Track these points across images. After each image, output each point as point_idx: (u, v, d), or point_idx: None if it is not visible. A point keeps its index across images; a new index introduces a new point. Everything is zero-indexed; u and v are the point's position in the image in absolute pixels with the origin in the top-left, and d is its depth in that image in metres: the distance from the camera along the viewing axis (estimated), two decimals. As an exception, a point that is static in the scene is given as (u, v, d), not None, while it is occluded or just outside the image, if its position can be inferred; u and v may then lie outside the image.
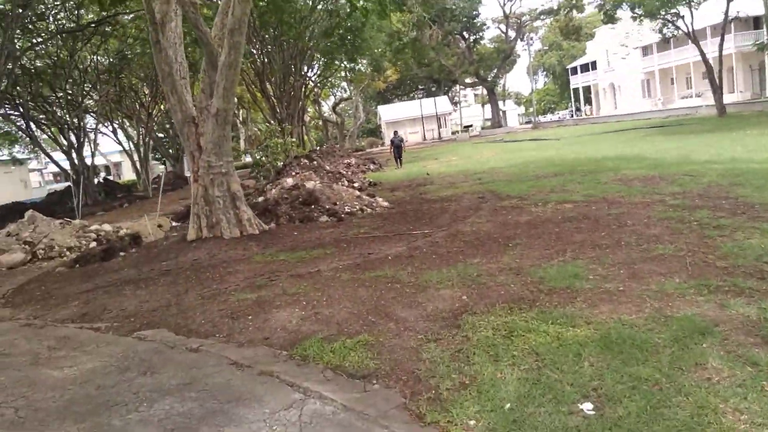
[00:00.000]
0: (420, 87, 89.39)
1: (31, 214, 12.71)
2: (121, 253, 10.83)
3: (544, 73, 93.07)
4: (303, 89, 33.39)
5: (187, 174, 45.73)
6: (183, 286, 7.56)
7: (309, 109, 57.15)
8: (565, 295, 5.18)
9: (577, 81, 69.44)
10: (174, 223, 15.28)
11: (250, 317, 5.88)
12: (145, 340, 5.49)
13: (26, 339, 5.92)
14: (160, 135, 47.87)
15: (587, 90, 69.42)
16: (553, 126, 56.43)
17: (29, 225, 12.34)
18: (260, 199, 12.93)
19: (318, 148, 31.53)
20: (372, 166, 26.24)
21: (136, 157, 38.06)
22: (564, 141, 28.36)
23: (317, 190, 12.29)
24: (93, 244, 12.36)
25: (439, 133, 64.10)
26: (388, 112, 72.81)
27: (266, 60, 28.78)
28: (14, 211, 25.65)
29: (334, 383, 3.95)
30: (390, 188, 16.98)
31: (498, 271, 6.24)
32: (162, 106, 40.03)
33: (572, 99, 73.55)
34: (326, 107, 67.82)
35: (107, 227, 13.53)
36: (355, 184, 17.76)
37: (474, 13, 56.16)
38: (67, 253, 11.74)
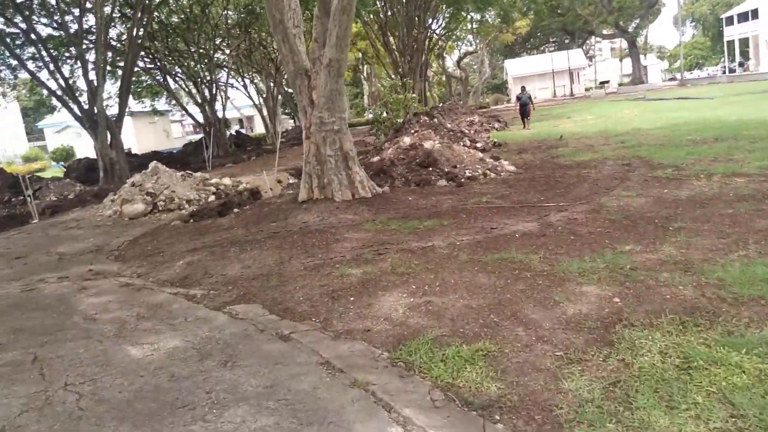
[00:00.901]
0: (551, 40, 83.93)
1: (155, 165, 12.94)
2: (236, 210, 10.61)
3: (693, 24, 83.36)
4: (427, 42, 32.03)
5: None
6: (288, 252, 6.98)
7: (432, 64, 55.54)
8: (759, 309, 3.83)
9: (732, 32, 61.13)
10: (291, 180, 15.05)
11: (352, 298, 5.11)
12: (235, 318, 4.91)
13: (120, 303, 5.61)
14: (289, 90, 48.79)
15: (744, 43, 60.99)
16: (703, 83, 50.21)
17: (152, 176, 12.56)
18: (375, 158, 12.17)
19: (440, 104, 30.26)
20: (497, 125, 24.58)
21: (265, 111, 39.06)
22: (720, 100, 24.76)
23: (436, 151, 11.26)
24: (212, 198, 12.36)
25: (571, 90, 59.83)
26: (515, 67, 69.13)
27: (390, 11, 27.71)
28: (153, 159, 27.27)
29: (444, 414, 3.03)
30: (517, 150, 15.51)
31: (659, 264, 4.92)
32: (289, 61, 40.66)
33: (726, 53, 65.22)
34: (450, 62, 65.68)
35: (227, 181, 13.52)
36: (478, 145, 16.49)
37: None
38: (186, 205, 11.80)
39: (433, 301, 4.81)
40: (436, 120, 17.56)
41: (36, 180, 17.71)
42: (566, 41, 66.55)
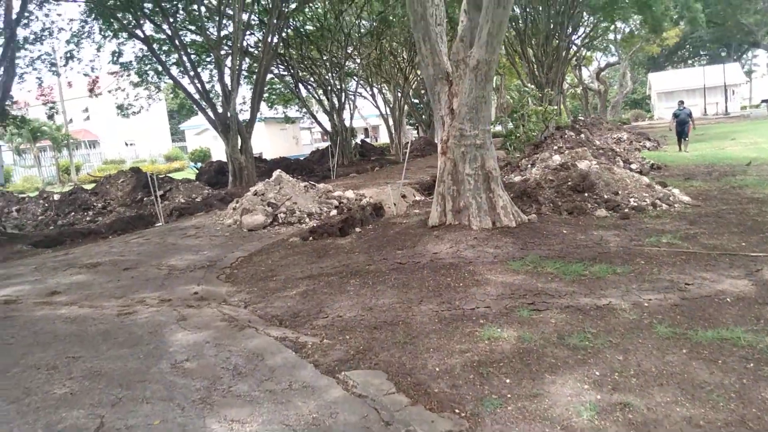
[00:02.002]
0: (702, 52, 76.80)
1: (278, 174, 12.33)
2: (358, 229, 9.58)
3: None
4: (566, 52, 29.74)
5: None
6: (416, 293, 5.71)
7: (567, 76, 52.30)
8: None
9: None
10: (417, 196, 13.89)
11: (508, 380, 3.72)
12: (351, 392, 3.70)
13: (217, 346, 4.62)
14: (415, 100, 48.30)
15: None
16: None
17: (275, 185, 11.93)
18: (516, 178, 10.63)
19: (580, 118, 27.81)
20: (648, 144, 21.88)
21: (390, 121, 38.63)
22: None
23: (593, 173, 9.51)
24: (333, 211, 11.48)
25: (726, 108, 53.83)
26: (660, 81, 63.73)
27: (530, 18, 25.91)
28: (280, 165, 27.50)
29: None
30: (682, 175, 13.19)
31: None
32: (419, 72, 39.95)
33: None
34: (586, 73, 61.75)
35: (350, 194, 12.63)
36: (633, 166, 14.33)
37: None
38: (307, 219, 11.00)
39: (633, 403, 3.29)
40: (583, 135, 15.62)
41: (168, 181, 18.05)
42: (722, 54, 60.03)
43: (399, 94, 37.62)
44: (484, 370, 3.88)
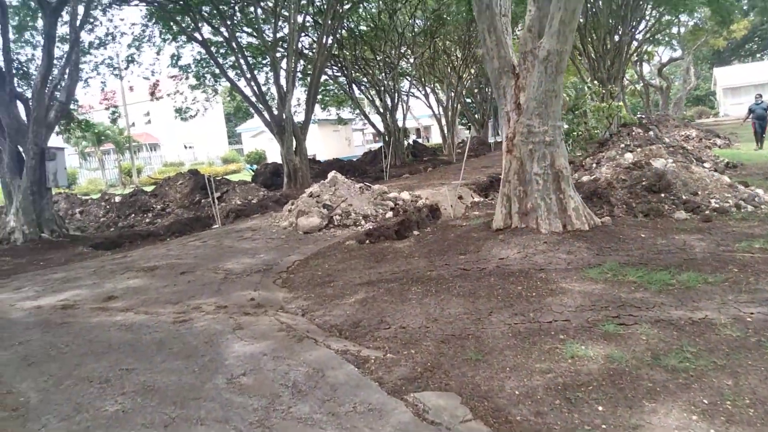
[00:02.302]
0: (775, 45, 72.74)
1: (333, 175, 12.09)
2: (415, 232, 9.21)
3: None
4: (627, 47, 28.40)
5: (492, 140, 44.73)
6: (484, 303, 5.28)
7: (627, 72, 50.30)
8: None
9: None
10: (475, 197, 13.40)
11: (600, 408, 3.26)
12: (423, 418, 3.32)
13: (275, 358, 4.33)
14: (468, 100, 47.61)
15: None
16: None
17: (330, 187, 11.70)
18: (583, 178, 10.01)
19: (645, 116, 26.47)
20: (718, 141, 20.59)
21: (443, 121, 38.13)
22: None
23: (669, 172, 8.81)
24: (389, 213, 11.15)
25: (802, 102, 50.45)
26: (727, 76, 60.67)
27: (590, 12, 24.87)
28: (333, 166, 27.47)
29: None
30: (763, 174, 12.20)
31: None
32: (472, 70, 39.22)
33: None
34: (646, 69, 59.29)
35: (405, 195, 12.27)
36: (706, 165, 13.38)
37: None
38: (362, 221, 10.70)
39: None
40: (651, 133, 14.73)
41: (224, 183, 18.20)
42: (799, 45, 56.43)
43: (452, 94, 37.09)
44: (572, 395, 3.43)
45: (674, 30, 46.07)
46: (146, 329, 5.26)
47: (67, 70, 13.51)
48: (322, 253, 8.42)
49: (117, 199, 17.96)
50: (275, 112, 20.24)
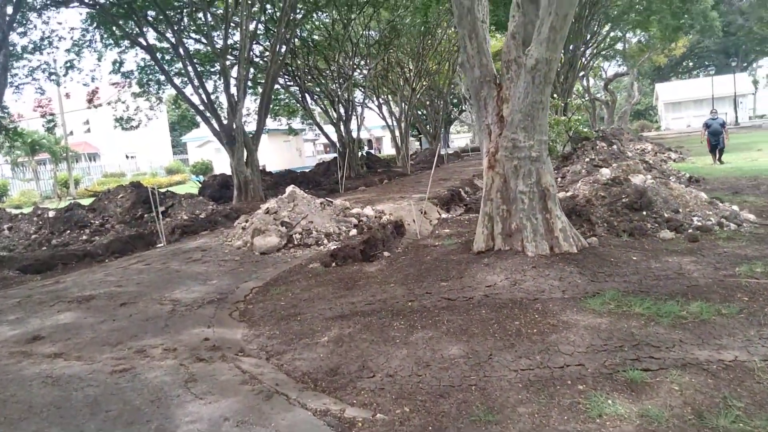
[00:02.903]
0: (707, 63, 76.39)
1: (292, 190, 11.25)
2: (386, 253, 8.49)
3: None
4: (579, 61, 28.77)
5: (444, 152, 44.61)
6: (481, 342, 4.60)
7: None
8: None
9: None
10: (441, 213, 12.81)
11: (659, 494, 2.62)
12: None
13: (240, 427, 3.50)
14: (420, 111, 47.55)
15: None
16: None
17: (289, 203, 10.85)
18: (560, 194, 9.54)
19: (599, 129, 26.70)
20: (672, 155, 20.82)
21: (397, 132, 37.75)
22: None
23: (650, 189, 8.42)
24: (353, 231, 10.40)
25: (736, 118, 52.98)
26: (668, 91, 63.10)
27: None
28: (286, 178, 26.47)
29: None
30: (727, 189, 12.12)
31: None
32: (425, 82, 39.06)
33: None
34: (591, 83, 60.85)
35: (369, 211, 11.56)
36: (671, 179, 13.26)
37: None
38: (325, 240, 9.91)
39: None
40: (615, 147, 14.54)
41: (170, 196, 16.99)
42: (732, 64, 59.20)
43: (405, 105, 36.84)
44: (619, 475, 2.78)
45: (619, 46, 47.40)
46: (78, 383, 4.32)
47: (-7, 73, 12.19)
48: (283, 279, 7.58)
49: (51, 213, 16.46)
50: (225, 122, 19.21)
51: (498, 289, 5.85)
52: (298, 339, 5.14)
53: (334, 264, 8.07)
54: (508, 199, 6.82)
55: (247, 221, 10.99)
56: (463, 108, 63.34)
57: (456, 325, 5.02)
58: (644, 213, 8.18)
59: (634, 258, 6.63)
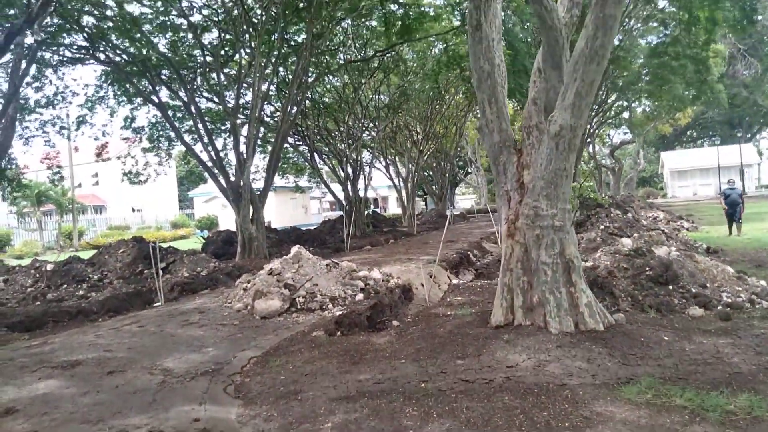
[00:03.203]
0: (711, 133, 77.40)
1: (297, 251, 10.84)
2: (395, 322, 7.99)
3: None
4: (588, 128, 28.88)
5: (450, 212, 44.47)
6: (505, 435, 4.07)
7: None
8: None
9: None
10: (452, 279, 12.33)
11: None
12: None
13: None
14: (426, 173, 47.81)
15: None
16: None
17: (293, 264, 10.43)
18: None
19: (612, 196, 26.48)
20: (685, 224, 20.42)
21: (403, 192, 37.74)
22: None
23: (675, 261, 7.98)
24: (359, 295, 9.92)
25: (744, 188, 52.92)
26: (674, 160, 63.54)
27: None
28: (291, 236, 26.12)
29: None
30: (749, 262, 11.62)
31: None
32: (432, 145, 39.38)
33: None
34: (597, 149, 61.39)
35: (376, 275, 11.10)
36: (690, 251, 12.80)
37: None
38: (329, 305, 9.41)
39: None
40: (630, 215, 14.17)
41: (171, 252, 16.60)
42: (738, 135, 59.73)
43: (411, 167, 37.02)
44: None
45: (625, 114, 48.00)
46: (46, 472, 3.79)
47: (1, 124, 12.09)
48: (284, 348, 7.06)
49: (49, 267, 16.06)
50: (232, 179, 19.06)
51: (521, 371, 5.33)
52: (299, 424, 4.61)
53: (339, 333, 7.56)
54: (529, 270, 6.39)
55: (248, 282, 10.54)
56: (469, 171, 63.86)
57: (476, 413, 4.49)
58: (670, 287, 7.71)
59: (666, 338, 6.11)
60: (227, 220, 39.48)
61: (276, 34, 19.73)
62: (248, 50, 19.61)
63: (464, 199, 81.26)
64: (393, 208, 69.67)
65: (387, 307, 9.79)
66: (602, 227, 13.33)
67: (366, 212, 34.29)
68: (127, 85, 19.86)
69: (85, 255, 17.71)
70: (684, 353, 5.66)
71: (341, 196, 29.96)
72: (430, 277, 13.16)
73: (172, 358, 6.69)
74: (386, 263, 15.47)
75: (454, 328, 6.89)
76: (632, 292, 7.72)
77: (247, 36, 19.41)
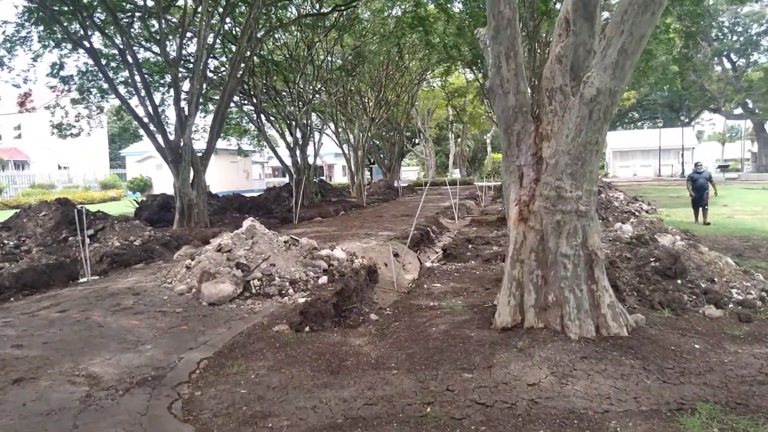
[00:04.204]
0: (653, 116, 79.54)
1: (250, 225, 9.45)
2: (373, 317, 6.85)
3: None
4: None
5: (398, 185, 43.51)
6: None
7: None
8: None
9: None
10: (421, 259, 11.29)
11: None
12: None
13: None
14: (375, 142, 46.54)
15: None
16: None
17: (246, 240, 9.07)
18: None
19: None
20: (644, 206, 20.10)
21: (353, 161, 36.39)
22: None
23: (682, 253, 7.19)
24: (323, 278, 8.71)
25: (683, 171, 54.57)
26: (616, 140, 64.68)
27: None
28: (234, 203, 24.40)
29: None
30: (727, 251, 11.11)
31: None
32: (384, 113, 38.03)
33: None
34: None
35: (340, 254, 9.90)
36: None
37: (753, 30, 45.99)
38: (290, 290, 8.15)
39: None
40: (603, 195, 13.47)
41: (101, 218, 14.75)
42: (682, 116, 61.17)
43: (362, 135, 35.70)
44: None
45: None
46: None
47: None
48: (241, 347, 5.79)
49: (-46, 230, 13.94)
50: (171, 137, 17.20)
51: (545, 392, 4.32)
52: (275, 469, 3.43)
53: (307, 328, 6.36)
54: (544, 262, 5.36)
55: (192, 259, 9.12)
56: (416, 141, 62.90)
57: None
58: (678, 282, 6.91)
59: (696, 346, 5.25)
60: (163, 182, 36.99)
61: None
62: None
63: (408, 170, 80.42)
64: (339, 177, 68.11)
65: (354, 292, 8.69)
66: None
67: (314, 180, 32.79)
68: (55, 27, 17.47)
69: (1, 216, 15.60)
70: (725, 367, 4.80)
71: (288, 162, 28.34)
72: (395, 255, 12.11)
73: (100, 360, 5.31)
74: (343, 239, 14.31)
75: (450, 328, 5.80)
76: (638, 285, 6.87)
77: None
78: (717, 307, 6.61)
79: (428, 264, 9.88)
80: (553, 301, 5.26)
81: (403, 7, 25.03)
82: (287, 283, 8.28)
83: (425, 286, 8.30)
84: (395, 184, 44.09)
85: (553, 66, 5.43)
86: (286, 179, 33.63)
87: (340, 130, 36.92)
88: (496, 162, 65.67)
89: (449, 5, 24.29)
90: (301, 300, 7.59)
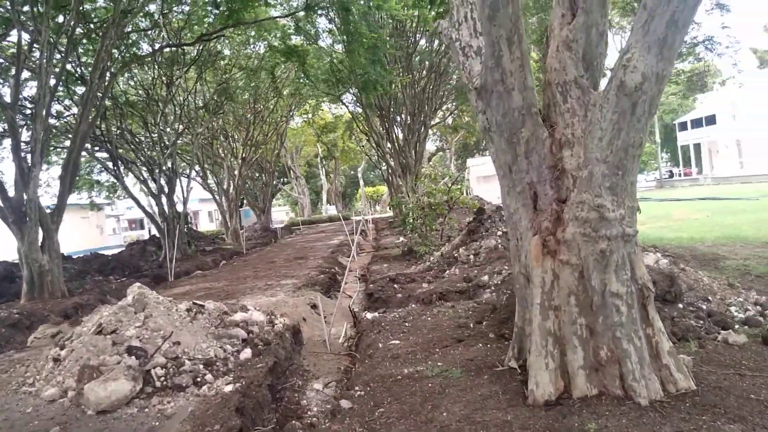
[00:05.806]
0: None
1: (139, 294, 7.24)
2: (344, 403, 5.10)
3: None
4: (425, 133, 28.16)
5: (275, 227, 41.29)
6: None
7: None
8: None
9: (687, 137, 62.68)
10: (353, 310, 9.66)
11: None
12: None
13: None
14: (245, 182, 44.10)
15: (697, 148, 61.64)
16: (684, 185, 49.47)
17: (136, 313, 6.90)
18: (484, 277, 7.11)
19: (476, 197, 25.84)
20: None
21: (225, 206, 33.78)
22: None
23: (676, 275, 6.37)
24: (245, 352, 6.81)
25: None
26: (478, 167, 67.54)
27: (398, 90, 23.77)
28: (93, 264, 21.02)
29: None
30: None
31: None
32: (254, 153, 35.89)
33: (681, 157, 67.34)
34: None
35: (258, 316, 8.00)
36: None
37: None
38: (207, 375, 6.13)
39: None
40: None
41: None
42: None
43: (233, 177, 33.46)
44: None
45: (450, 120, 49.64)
46: None
47: None
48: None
49: None
50: (12, 194, 14.08)
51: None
52: None
53: (257, 435, 4.52)
54: (587, 307, 4.08)
55: (62, 347, 6.75)
56: (286, 180, 61.01)
57: None
58: (680, 306, 6.03)
59: (765, 390, 4.23)
60: (2, 249, 31.59)
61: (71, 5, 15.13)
62: (30, 25, 14.71)
63: (277, 211, 78.02)
64: (205, 224, 63.97)
65: (286, 362, 6.95)
66: (500, 233, 11.76)
67: (184, 230, 29.70)
68: None
69: None
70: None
71: (154, 211, 25.28)
72: (313, 307, 10.44)
73: None
74: (242, 294, 12.34)
75: (470, 411, 4.21)
76: (640, 315, 5.87)
77: (27, 6, 14.62)
78: (724, 328, 5.81)
79: (369, 315, 8.28)
80: (608, 357, 3.98)
81: (266, 42, 23.68)
82: (201, 366, 6.27)
83: (379, 345, 6.69)
84: (271, 226, 41.94)
85: (562, 54, 4.26)
86: (146, 232, 30.23)
87: (205, 173, 34.34)
88: (371, 195, 65.69)
89: (316, 42, 23.38)
90: (227, 388, 5.67)
